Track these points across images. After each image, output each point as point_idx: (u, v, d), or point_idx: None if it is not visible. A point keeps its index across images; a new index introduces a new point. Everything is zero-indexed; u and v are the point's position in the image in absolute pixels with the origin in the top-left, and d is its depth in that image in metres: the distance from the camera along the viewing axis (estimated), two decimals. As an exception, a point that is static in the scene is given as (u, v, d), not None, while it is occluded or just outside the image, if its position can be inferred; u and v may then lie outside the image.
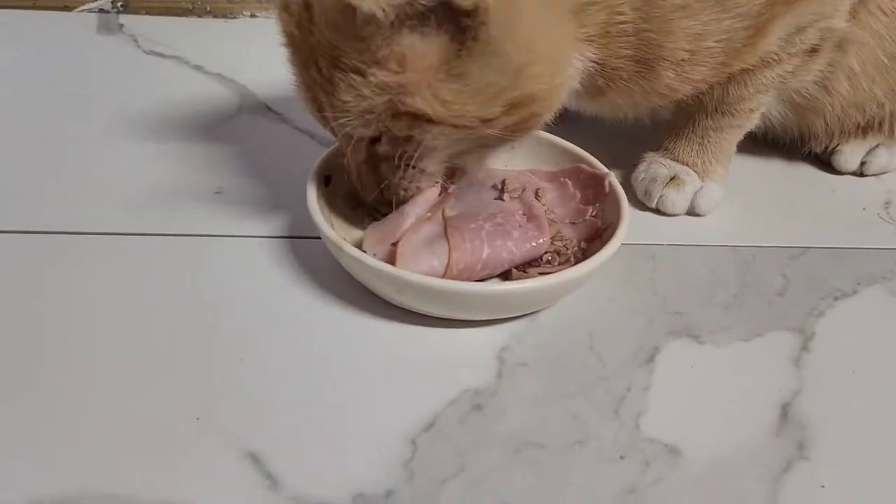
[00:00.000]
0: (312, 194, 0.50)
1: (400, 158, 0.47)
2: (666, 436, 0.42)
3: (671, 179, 0.60)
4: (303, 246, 0.53)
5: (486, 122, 0.46)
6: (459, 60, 0.43)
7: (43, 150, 0.63)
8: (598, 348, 0.48)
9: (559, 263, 0.50)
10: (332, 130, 0.48)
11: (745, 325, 0.50)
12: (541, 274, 0.48)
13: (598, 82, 0.53)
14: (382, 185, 0.50)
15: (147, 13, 0.88)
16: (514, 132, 0.48)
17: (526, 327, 0.49)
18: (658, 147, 0.62)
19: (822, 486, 0.40)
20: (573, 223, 0.54)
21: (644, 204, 0.61)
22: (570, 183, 0.57)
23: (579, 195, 0.56)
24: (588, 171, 0.56)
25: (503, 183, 0.57)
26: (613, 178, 0.54)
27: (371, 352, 0.46)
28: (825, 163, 0.68)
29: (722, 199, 0.61)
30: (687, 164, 0.61)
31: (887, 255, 0.58)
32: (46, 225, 0.54)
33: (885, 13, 0.57)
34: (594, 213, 0.54)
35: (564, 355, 0.47)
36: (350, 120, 0.45)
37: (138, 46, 0.81)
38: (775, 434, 0.43)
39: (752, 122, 0.61)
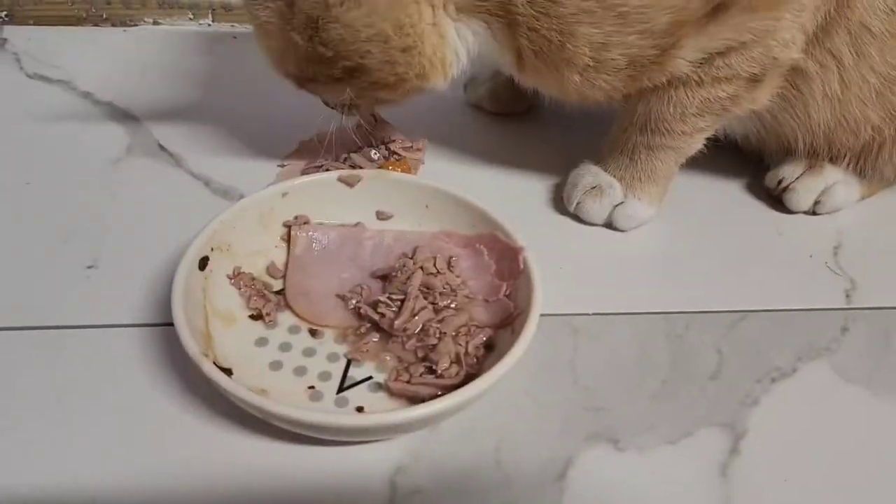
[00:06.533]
0: (179, 292, 0.44)
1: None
2: (573, 577, 0.38)
3: (592, 188, 0.58)
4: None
5: (336, 80, 0.51)
6: (290, 25, 0.49)
7: None
8: (503, 463, 0.43)
9: (457, 373, 0.44)
10: None
11: (671, 423, 0.45)
12: (441, 387, 0.43)
13: (513, 60, 0.53)
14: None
15: (35, 23, 0.79)
16: (381, 92, 0.53)
17: (424, 440, 0.43)
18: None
19: None
20: (487, 301, 0.49)
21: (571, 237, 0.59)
22: (485, 251, 0.51)
23: (494, 266, 0.50)
24: (503, 241, 0.50)
25: (414, 251, 0.51)
26: (528, 255, 0.48)
27: (245, 475, 0.41)
28: (776, 198, 0.63)
29: (648, 220, 0.59)
30: (614, 177, 0.58)
31: (832, 317, 0.53)
32: None
33: (873, 35, 0.51)
34: (507, 291, 0.48)
35: (466, 475, 0.42)
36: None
37: (21, 68, 0.73)
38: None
39: (690, 147, 0.57)
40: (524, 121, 0.71)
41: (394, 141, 0.62)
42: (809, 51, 0.52)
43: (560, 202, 0.61)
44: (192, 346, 0.41)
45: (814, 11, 0.50)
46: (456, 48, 0.52)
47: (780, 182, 0.62)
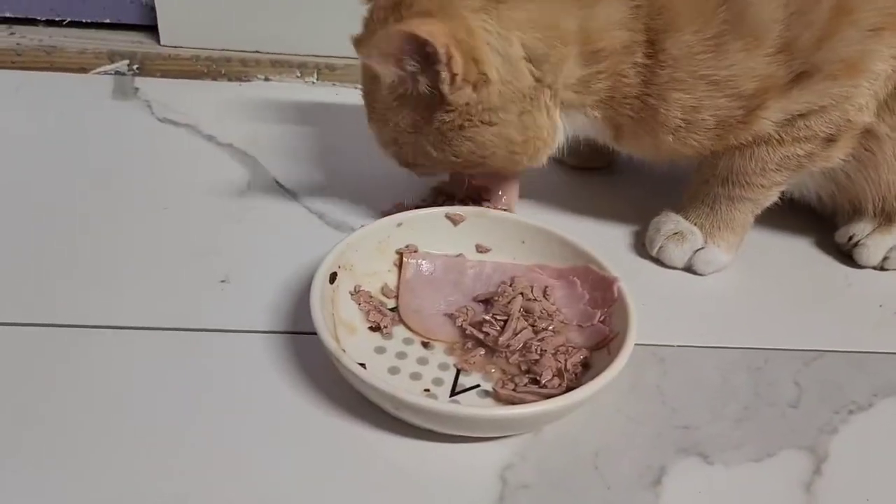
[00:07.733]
0: (317, 299, 0.49)
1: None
2: (671, 572, 0.41)
3: (674, 234, 0.63)
4: (306, 342, 0.53)
5: (461, 166, 0.59)
6: (421, 134, 0.57)
7: (42, 226, 0.62)
8: (602, 468, 0.46)
9: (559, 385, 0.49)
10: None
11: (756, 443, 0.49)
12: (544, 396, 0.47)
13: (610, 133, 0.60)
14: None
15: (162, 76, 0.89)
16: (496, 173, 0.61)
17: (530, 443, 0.47)
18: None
19: None
20: (581, 326, 0.54)
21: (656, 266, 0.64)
22: (578, 282, 0.56)
23: (587, 296, 0.55)
24: (597, 272, 0.55)
25: (512, 280, 0.57)
26: (622, 284, 0.53)
27: (369, 467, 0.45)
28: (846, 254, 0.67)
29: (725, 266, 0.63)
30: (695, 224, 0.63)
31: (905, 361, 0.57)
32: (45, 317, 0.54)
33: None
34: (601, 318, 0.53)
35: (568, 476, 0.46)
36: None
37: (152, 113, 0.81)
38: (785, 572, 0.42)
39: (767, 199, 0.63)
40: (601, 175, 0.77)
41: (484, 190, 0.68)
42: (881, 116, 0.57)
43: (639, 246, 0.66)
44: (331, 342, 0.46)
45: (885, 81, 0.56)
46: (563, 132, 0.60)
47: (850, 238, 0.66)
